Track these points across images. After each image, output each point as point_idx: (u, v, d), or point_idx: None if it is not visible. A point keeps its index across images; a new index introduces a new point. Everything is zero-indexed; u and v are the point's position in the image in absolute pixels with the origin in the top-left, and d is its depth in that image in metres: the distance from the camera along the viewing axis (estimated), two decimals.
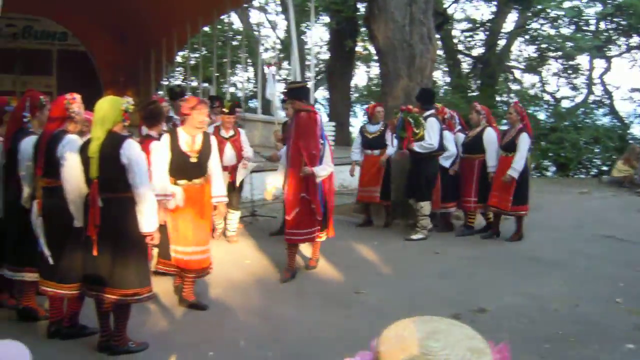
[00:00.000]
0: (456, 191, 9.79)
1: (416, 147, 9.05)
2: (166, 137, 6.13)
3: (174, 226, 6.03)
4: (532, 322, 5.91)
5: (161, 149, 6.01)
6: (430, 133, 9.05)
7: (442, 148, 9.30)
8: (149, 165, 5.92)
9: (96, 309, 5.13)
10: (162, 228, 5.85)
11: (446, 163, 9.64)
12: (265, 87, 11.23)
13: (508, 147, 9.08)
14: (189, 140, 6.10)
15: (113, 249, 4.90)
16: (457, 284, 7.26)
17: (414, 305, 6.43)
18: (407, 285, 7.20)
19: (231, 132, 8.73)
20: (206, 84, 22.29)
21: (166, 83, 21.75)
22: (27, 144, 5.44)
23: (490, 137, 9.42)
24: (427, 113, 9.27)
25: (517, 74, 27.77)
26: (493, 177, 9.27)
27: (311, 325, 5.83)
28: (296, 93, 7.47)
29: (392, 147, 9.90)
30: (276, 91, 10.75)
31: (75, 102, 5.28)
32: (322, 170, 7.16)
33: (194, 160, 6.08)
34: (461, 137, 9.88)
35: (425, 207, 9.28)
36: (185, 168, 6.08)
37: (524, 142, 8.96)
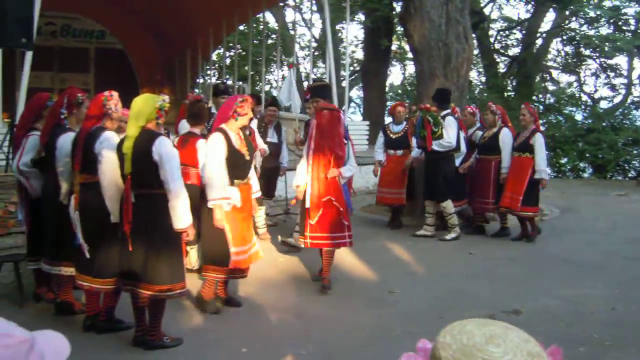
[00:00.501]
0: (464, 191, 9.70)
1: (435, 145, 8.98)
2: (220, 137, 5.90)
3: (233, 227, 5.87)
4: (568, 324, 5.84)
5: (220, 149, 5.84)
6: (449, 131, 9.00)
7: (459, 147, 9.25)
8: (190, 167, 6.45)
9: (132, 303, 5.19)
10: (217, 236, 5.87)
11: (456, 162, 9.56)
12: (287, 90, 11.10)
13: (522, 147, 9.04)
14: (237, 138, 6.01)
15: (147, 245, 4.97)
16: (490, 284, 7.20)
17: (447, 305, 6.39)
18: (440, 285, 7.17)
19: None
20: (241, 83, 22.40)
21: (201, 81, 21.91)
22: (65, 140, 5.53)
23: (506, 137, 9.35)
24: (445, 112, 9.23)
25: (554, 74, 27.48)
26: (505, 177, 9.20)
27: (344, 324, 5.84)
28: (320, 91, 7.43)
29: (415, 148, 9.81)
30: (294, 94, 10.64)
31: (112, 99, 5.35)
32: (348, 171, 6.94)
33: (247, 158, 6.04)
34: (479, 135, 9.82)
35: (448, 206, 9.23)
36: (242, 167, 6.03)
37: (540, 142, 8.93)
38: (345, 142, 6.92)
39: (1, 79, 10.70)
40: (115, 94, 5.39)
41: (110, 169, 5.12)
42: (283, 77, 23.97)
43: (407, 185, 9.91)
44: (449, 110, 9.32)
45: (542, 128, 9.23)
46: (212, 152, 5.81)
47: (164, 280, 4.98)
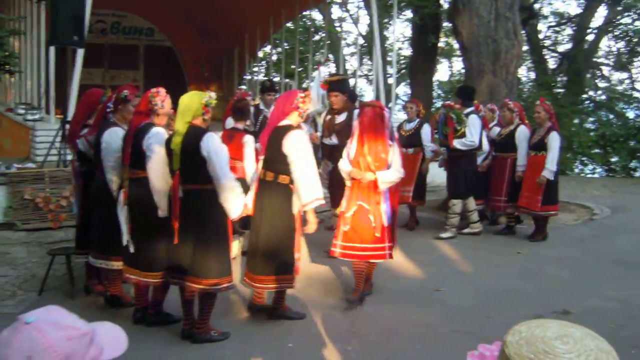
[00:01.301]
0: (483, 189, 9.53)
1: (457, 144, 8.83)
2: (305, 134, 5.68)
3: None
4: (619, 326, 5.72)
5: (310, 147, 5.62)
6: (472, 130, 8.84)
7: (481, 145, 9.11)
8: (246, 159, 6.78)
9: (180, 297, 5.27)
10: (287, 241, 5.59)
11: (478, 160, 9.43)
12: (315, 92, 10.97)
13: (537, 146, 8.87)
14: None
15: (194, 239, 5.04)
16: (538, 284, 7.11)
17: (495, 305, 6.33)
18: (487, 284, 7.10)
19: None
20: (288, 80, 22.47)
21: (248, 78, 22.05)
22: (112, 135, 5.61)
23: (523, 135, 9.21)
24: (468, 110, 9.09)
25: (605, 70, 26.96)
26: (522, 176, 9.06)
27: (390, 321, 5.82)
28: (338, 85, 7.28)
29: (429, 144, 9.55)
30: (320, 94, 10.47)
31: (158, 95, 5.40)
32: (389, 176, 6.12)
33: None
34: (496, 131, 9.67)
35: (457, 205, 9.10)
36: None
37: (555, 141, 8.74)
38: (391, 143, 6.21)
39: (54, 76, 10.93)
40: (162, 90, 5.45)
41: (158, 165, 5.19)
42: (330, 75, 23.96)
43: (416, 185, 9.61)
44: (472, 108, 9.21)
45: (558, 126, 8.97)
46: (308, 150, 5.48)
47: (212, 274, 5.04)
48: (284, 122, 5.51)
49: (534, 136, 9.03)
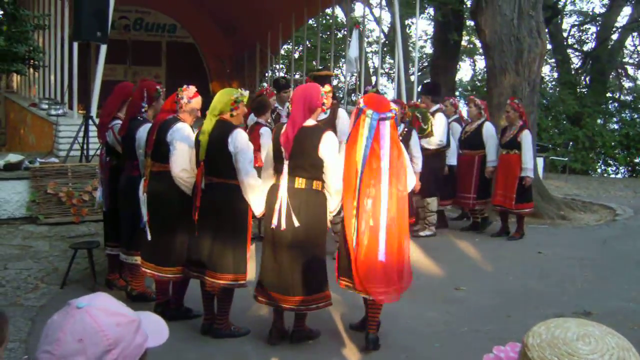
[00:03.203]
0: (451, 188, 9.45)
1: (424, 143, 8.65)
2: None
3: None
4: None
5: None
6: (439, 129, 8.78)
7: (448, 143, 9.03)
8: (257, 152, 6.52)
9: (201, 291, 5.29)
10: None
11: (453, 160, 9.36)
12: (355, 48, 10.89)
13: (509, 144, 8.84)
14: None
15: (214, 233, 5.06)
16: (560, 284, 7.06)
17: (515, 304, 6.30)
18: (507, 283, 7.07)
19: None
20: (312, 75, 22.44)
21: (270, 75, 22.10)
22: (145, 131, 5.65)
23: (489, 131, 9.15)
24: (435, 108, 9.08)
25: (630, 70, 26.71)
26: (494, 174, 9.02)
27: (409, 319, 5.81)
28: (323, 81, 6.98)
29: (418, 154, 8.47)
30: (357, 55, 10.36)
31: (186, 90, 5.43)
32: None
33: None
34: (456, 127, 9.61)
35: (433, 203, 9.01)
36: None
37: (528, 139, 8.73)
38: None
39: (77, 72, 11.03)
40: (192, 87, 5.46)
41: (180, 159, 5.23)
42: (352, 73, 23.99)
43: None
44: (439, 106, 9.18)
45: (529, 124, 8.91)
46: (338, 153, 4.99)
47: (229, 269, 5.05)
48: (310, 122, 4.96)
49: (505, 135, 8.98)
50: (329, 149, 4.85)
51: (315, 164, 4.86)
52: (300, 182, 4.90)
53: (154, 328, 1.54)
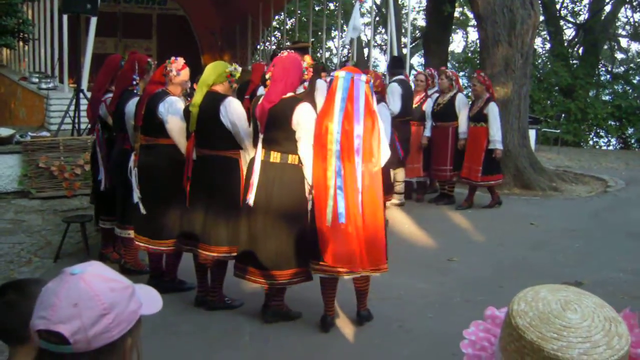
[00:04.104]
0: (426, 160, 9.50)
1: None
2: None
3: None
4: (633, 298, 5.71)
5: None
6: (391, 98, 8.72)
7: (408, 113, 8.95)
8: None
9: (194, 264, 5.31)
10: None
11: (428, 132, 9.40)
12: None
13: (476, 117, 8.87)
14: None
15: (207, 205, 5.04)
16: (551, 255, 7.11)
17: (507, 275, 6.34)
18: (499, 254, 7.11)
19: None
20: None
21: (261, 47, 21.96)
22: (133, 105, 5.62)
23: (462, 102, 9.16)
24: (394, 78, 9.11)
25: (623, 42, 26.66)
26: (465, 144, 9.03)
27: (403, 290, 5.84)
28: (303, 53, 6.89)
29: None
30: (359, 26, 10.37)
31: (175, 62, 5.39)
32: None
33: None
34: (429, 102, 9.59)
35: (400, 173, 9.01)
36: None
37: (494, 112, 8.76)
38: None
39: (67, 45, 10.93)
40: (180, 59, 5.42)
41: (177, 134, 5.22)
42: (343, 45, 23.87)
43: None
44: (400, 77, 9.16)
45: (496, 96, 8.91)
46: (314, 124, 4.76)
47: (222, 242, 5.04)
48: (287, 95, 4.78)
49: (473, 107, 9.02)
50: (303, 119, 4.66)
51: (289, 137, 4.71)
52: (275, 156, 4.78)
53: (148, 297, 1.57)
